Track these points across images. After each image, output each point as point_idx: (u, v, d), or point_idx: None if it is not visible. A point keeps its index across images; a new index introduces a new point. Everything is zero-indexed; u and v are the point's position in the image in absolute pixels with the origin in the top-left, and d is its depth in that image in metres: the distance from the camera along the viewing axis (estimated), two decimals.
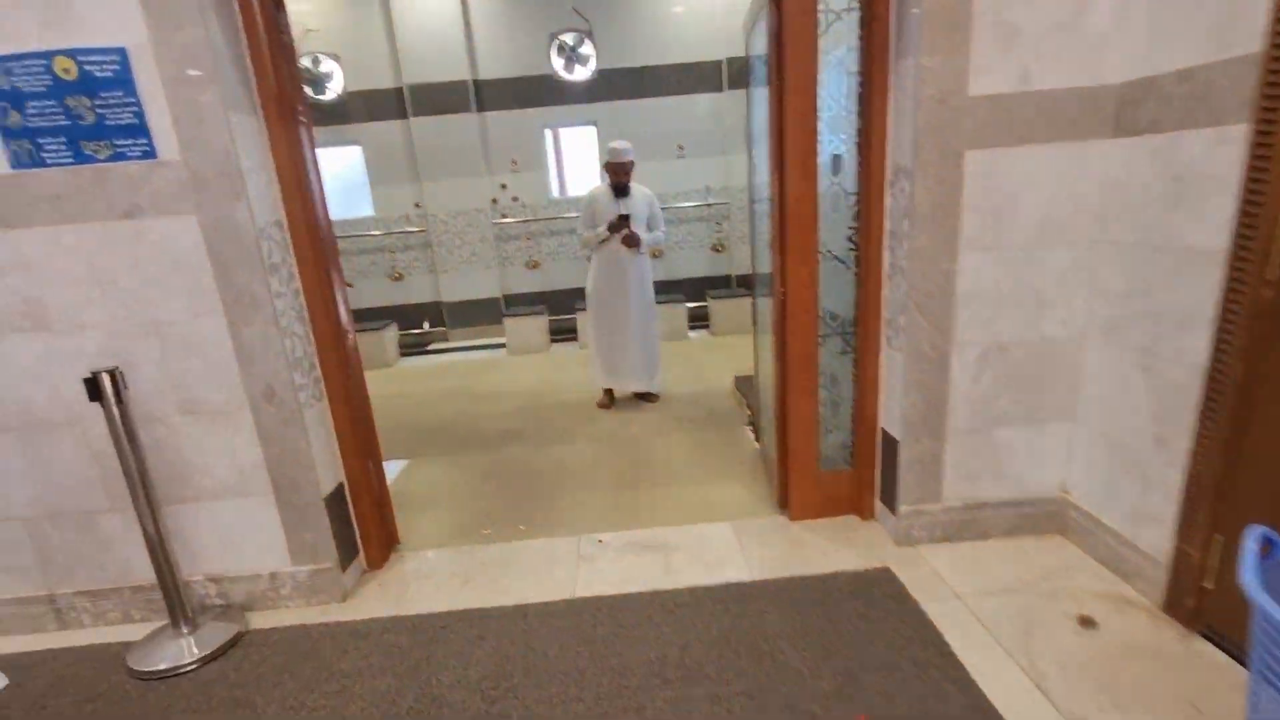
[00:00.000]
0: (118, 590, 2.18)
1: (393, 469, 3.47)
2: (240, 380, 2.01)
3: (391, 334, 6.29)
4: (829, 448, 2.53)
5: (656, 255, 6.84)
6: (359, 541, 2.40)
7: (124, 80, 1.76)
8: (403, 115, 6.42)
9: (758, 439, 3.43)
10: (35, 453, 2.05)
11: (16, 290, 1.91)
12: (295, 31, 2.08)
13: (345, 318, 2.29)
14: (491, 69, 6.40)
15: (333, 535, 2.20)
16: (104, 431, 1.94)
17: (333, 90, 6.33)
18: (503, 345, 6.36)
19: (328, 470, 2.23)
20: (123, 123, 1.79)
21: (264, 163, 1.98)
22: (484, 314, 6.90)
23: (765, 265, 2.71)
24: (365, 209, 6.73)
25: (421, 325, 6.97)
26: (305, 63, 6.21)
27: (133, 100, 1.77)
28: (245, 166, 1.87)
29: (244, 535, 2.17)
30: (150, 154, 1.82)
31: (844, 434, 2.52)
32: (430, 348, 6.80)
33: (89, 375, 1.80)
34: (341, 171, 6.73)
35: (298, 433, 2.07)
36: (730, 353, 5.51)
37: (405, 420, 4.34)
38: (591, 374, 4.25)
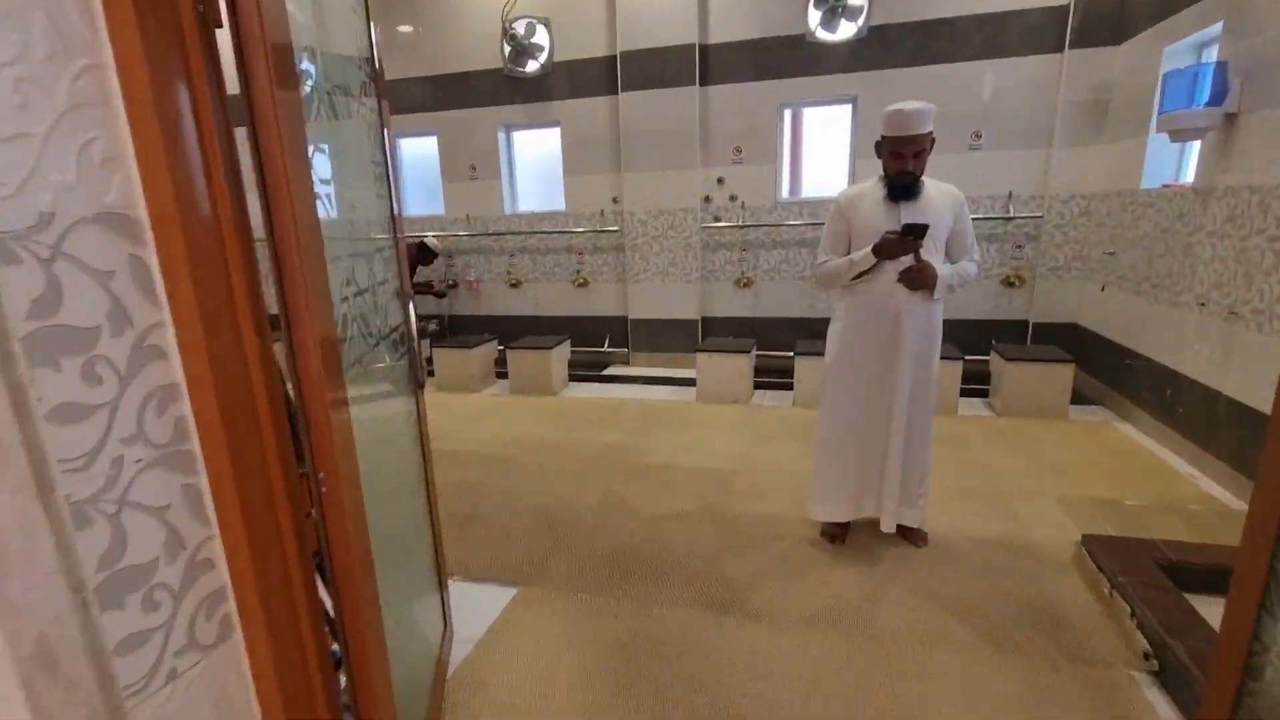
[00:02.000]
0: None
1: (495, 604, 2.23)
2: None
3: (562, 353, 5.21)
4: None
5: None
6: None
7: None
8: (611, 90, 5.29)
9: None
10: None
11: None
12: None
13: (316, 446, 1.00)
14: (725, 30, 4.99)
15: None
16: None
17: (539, 63, 5.42)
18: (692, 383, 4.97)
19: None
20: None
21: (64, 65, 0.73)
22: (675, 337, 5.58)
23: None
24: (557, 202, 5.77)
25: (602, 342, 5.86)
26: (517, 28, 5.36)
27: None
28: None
29: None
30: None
31: None
32: (606, 371, 5.66)
33: None
34: (540, 157, 5.84)
35: None
36: (1035, 453, 3.44)
37: (539, 500, 3.10)
38: (817, 496, 2.55)
